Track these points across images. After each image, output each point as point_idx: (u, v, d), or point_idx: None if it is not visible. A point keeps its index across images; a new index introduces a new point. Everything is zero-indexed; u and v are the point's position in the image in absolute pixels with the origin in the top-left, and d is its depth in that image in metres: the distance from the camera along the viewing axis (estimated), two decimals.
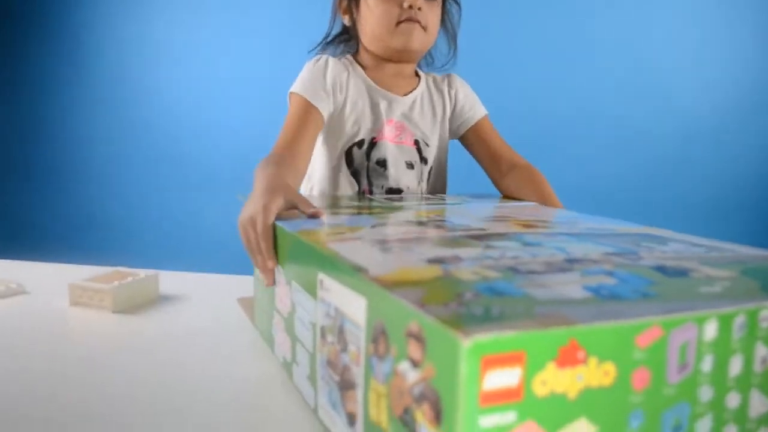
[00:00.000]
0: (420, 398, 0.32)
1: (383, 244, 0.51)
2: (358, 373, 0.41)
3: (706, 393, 0.35)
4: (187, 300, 0.91)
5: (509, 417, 0.29)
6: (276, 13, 2.57)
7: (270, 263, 0.62)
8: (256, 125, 2.27)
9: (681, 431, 0.34)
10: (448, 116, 1.08)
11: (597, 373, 0.31)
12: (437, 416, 0.30)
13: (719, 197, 2.40)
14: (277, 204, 0.65)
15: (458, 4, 1.07)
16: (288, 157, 0.86)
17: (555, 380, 0.30)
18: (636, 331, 0.32)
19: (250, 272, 0.76)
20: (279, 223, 0.62)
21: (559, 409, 0.30)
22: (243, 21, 2.63)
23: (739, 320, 0.36)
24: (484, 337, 0.28)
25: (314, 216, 0.65)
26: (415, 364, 0.32)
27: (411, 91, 1.05)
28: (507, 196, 1.01)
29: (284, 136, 0.92)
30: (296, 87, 0.97)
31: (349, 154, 1.00)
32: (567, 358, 0.30)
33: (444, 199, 0.91)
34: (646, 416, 0.33)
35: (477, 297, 0.35)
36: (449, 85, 1.09)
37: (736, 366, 0.36)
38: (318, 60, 1.01)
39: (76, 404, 0.57)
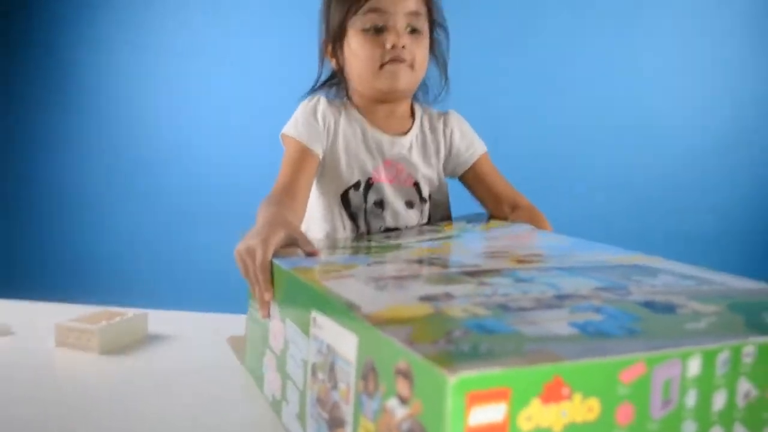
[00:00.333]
0: None
1: (377, 281, 0.51)
2: (347, 411, 0.41)
3: (689, 428, 0.36)
4: (175, 339, 0.91)
5: None
6: (272, 46, 2.60)
7: (267, 295, 0.63)
8: (249, 166, 2.28)
9: None
10: (443, 157, 1.06)
11: (581, 409, 0.31)
12: None
13: (709, 226, 2.45)
14: (278, 238, 0.66)
15: (446, 30, 1.05)
16: (287, 200, 0.86)
17: (540, 416, 0.30)
18: (620, 367, 0.33)
19: (241, 311, 0.76)
20: (275, 261, 0.63)
21: None
22: (236, 53, 2.65)
23: (723, 356, 0.36)
24: (470, 373, 0.29)
25: (312, 255, 0.65)
26: (403, 400, 0.33)
27: (407, 131, 1.04)
28: None
29: (282, 179, 0.91)
30: (290, 129, 0.97)
31: (345, 196, 0.99)
32: (552, 394, 0.30)
33: (441, 231, 0.91)
34: None
35: (466, 334, 0.36)
36: (445, 124, 1.07)
37: (719, 401, 0.37)
38: (311, 100, 1.01)
39: None
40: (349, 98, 1.05)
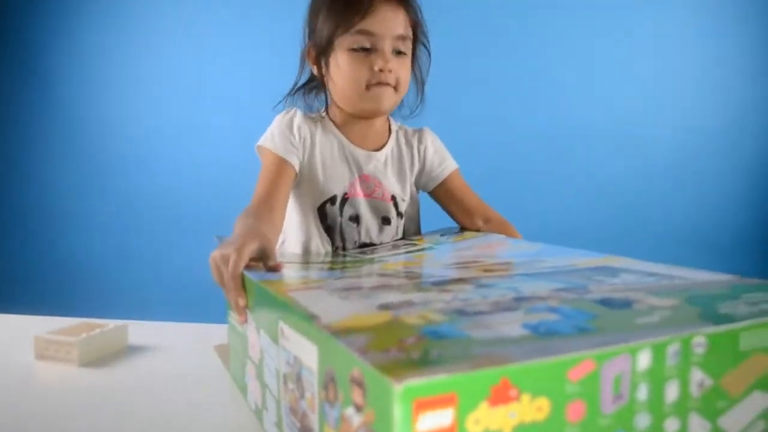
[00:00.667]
0: None
1: (341, 292, 0.52)
2: (314, 420, 0.42)
3: (642, 420, 0.36)
4: (156, 350, 0.91)
5: None
6: (257, 56, 2.60)
7: (241, 301, 0.64)
8: (227, 176, 2.27)
9: None
10: (416, 172, 1.07)
11: (530, 409, 0.32)
12: None
13: (702, 228, 2.46)
14: (252, 248, 0.67)
15: (428, 51, 1.06)
16: (265, 212, 0.87)
17: (488, 418, 0.31)
18: (568, 366, 0.33)
19: (222, 320, 0.77)
20: (245, 272, 0.64)
21: None
22: (219, 61, 2.65)
23: (673, 348, 0.37)
24: (416, 381, 0.29)
25: (273, 270, 0.66)
26: (359, 409, 0.34)
27: (382, 146, 1.05)
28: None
29: (259, 191, 0.92)
30: (266, 142, 0.98)
31: (322, 210, 0.99)
32: (499, 397, 0.31)
33: (416, 245, 0.92)
34: None
35: (419, 341, 0.36)
36: (419, 141, 1.08)
37: (672, 392, 0.38)
38: (287, 113, 1.02)
39: None
40: (326, 110, 1.06)
